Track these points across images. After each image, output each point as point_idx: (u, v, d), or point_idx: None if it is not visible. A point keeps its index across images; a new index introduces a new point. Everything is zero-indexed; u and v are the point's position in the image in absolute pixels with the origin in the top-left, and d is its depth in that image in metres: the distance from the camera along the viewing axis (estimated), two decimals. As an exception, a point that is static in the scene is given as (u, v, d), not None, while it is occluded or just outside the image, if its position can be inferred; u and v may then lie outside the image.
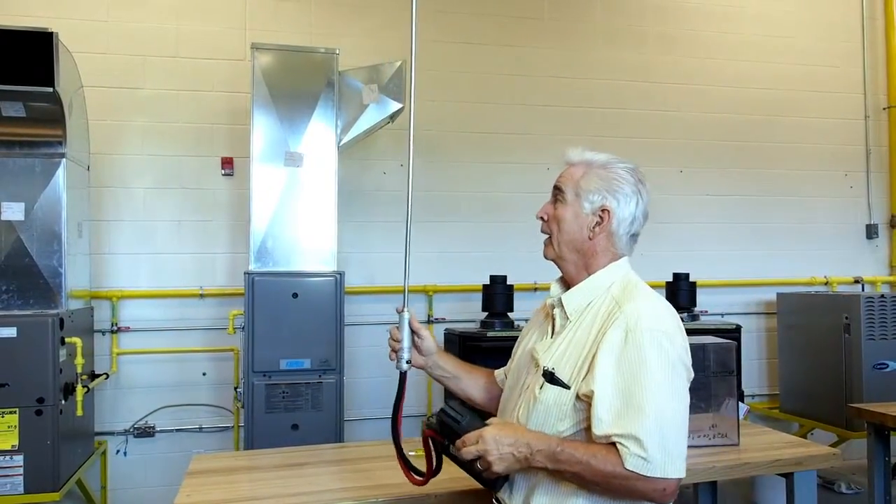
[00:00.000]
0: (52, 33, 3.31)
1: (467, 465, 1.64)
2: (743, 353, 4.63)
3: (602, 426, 1.53)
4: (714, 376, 2.66)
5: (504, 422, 1.68)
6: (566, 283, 1.80)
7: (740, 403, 2.76)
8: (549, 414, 1.63)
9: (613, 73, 5.01)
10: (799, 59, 5.39)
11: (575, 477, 1.56)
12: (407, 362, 1.90)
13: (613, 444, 1.52)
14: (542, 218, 1.79)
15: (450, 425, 1.66)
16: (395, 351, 1.92)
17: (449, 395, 2.14)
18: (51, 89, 3.32)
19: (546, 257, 1.81)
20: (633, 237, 1.77)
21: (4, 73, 3.28)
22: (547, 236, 1.78)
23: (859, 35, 5.54)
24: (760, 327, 5.27)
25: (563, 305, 1.73)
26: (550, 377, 1.63)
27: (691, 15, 5.21)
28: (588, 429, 1.58)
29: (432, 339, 1.99)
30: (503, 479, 1.67)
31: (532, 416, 1.65)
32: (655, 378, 1.53)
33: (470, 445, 1.59)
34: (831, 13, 5.46)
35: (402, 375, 1.88)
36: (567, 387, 1.61)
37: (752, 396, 5.17)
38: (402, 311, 1.91)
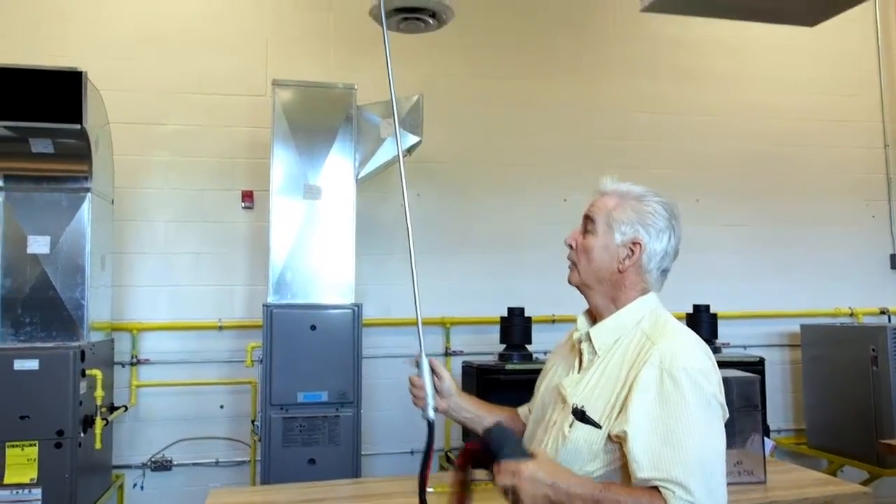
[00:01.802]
0: (80, 72, 3.40)
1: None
2: (767, 387, 4.54)
3: (642, 470, 1.47)
4: (738, 411, 2.61)
5: (548, 459, 1.57)
6: (592, 316, 1.77)
7: (766, 439, 2.69)
8: (578, 454, 1.58)
9: (628, 104, 5.03)
10: (815, 88, 5.38)
11: None
12: (434, 409, 1.86)
13: (655, 487, 1.46)
14: (570, 245, 1.76)
15: (492, 448, 1.55)
16: (417, 397, 1.89)
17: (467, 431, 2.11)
18: (79, 126, 3.39)
19: (570, 282, 1.77)
20: (664, 273, 1.75)
21: (35, 110, 3.36)
22: (572, 262, 1.76)
23: (875, 63, 5.52)
24: (784, 360, 5.18)
25: (591, 340, 1.69)
26: (581, 416, 1.59)
27: (705, 46, 5.22)
28: (618, 469, 1.55)
29: (451, 379, 1.95)
30: None
31: (561, 454, 1.60)
32: (694, 418, 1.49)
33: (505, 475, 1.50)
34: (846, 42, 5.44)
35: (430, 425, 1.81)
36: (598, 426, 1.57)
37: (779, 431, 5.06)
38: (420, 356, 1.87)
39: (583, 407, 1.60)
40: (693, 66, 5.19)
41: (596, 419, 1.57)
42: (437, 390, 1.90)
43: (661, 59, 5.14)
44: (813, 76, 5.39)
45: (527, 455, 1.54)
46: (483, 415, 1.97)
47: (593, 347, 1.69)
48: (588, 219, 1.74)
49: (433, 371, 1.89)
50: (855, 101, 5.46)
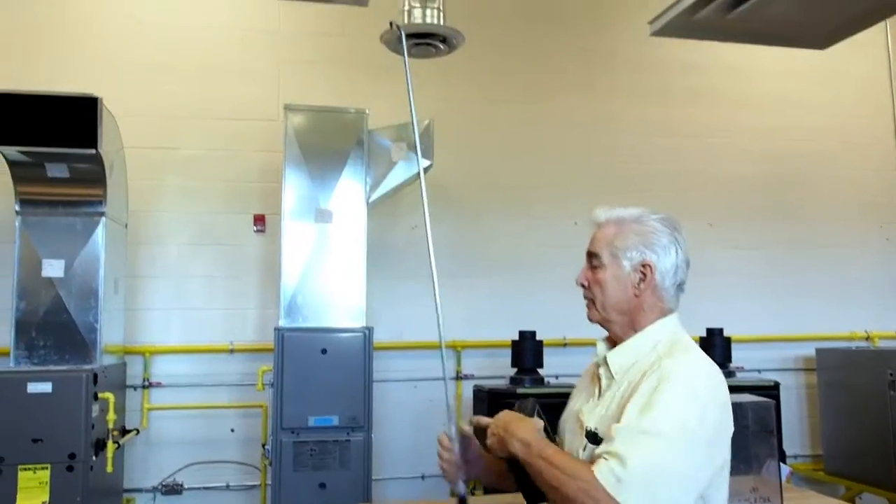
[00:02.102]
0: (96, 98, 3.45)
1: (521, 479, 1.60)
2: (783, 412, 4.48)
3: (603, 445, 1.48)
4: (753, 436, 2.57)
5: (523, 417, 1.64)
6: (612, 342, 1.75)
7: (782, 465, 2.66)
8: None
9: (639, 127, 5.04)
10: (827, 111, 5.37)
11: (540, 476, 1.50)
12: (464, 482, 1.79)
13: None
14: (582, 284, 1.74)
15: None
16: (446, 471, 1.82)
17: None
18: (94, 151, 3.43)
19: (591, 320, 1.75)
20: (680, 287, 1.73)
21: (51, 135, 3.40)
22: (589, 300, 1.73)
23: (887, 86, 5.51)
24: (800, 384, 5.13)
25: (608, 364, 1.68)
26: (593, 437, 1.58)
27: (716, 70, 5.23)
28: None
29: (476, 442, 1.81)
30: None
31: None
32: (672, 415, 1.46)
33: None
34: (857, 65, 5.43)
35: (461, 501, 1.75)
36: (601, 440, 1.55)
37: (795, 457, 4.99)
38: (451, 425, 1.80)
39: (595, 429, 1.59)
40: (704, 88, 5.20)
41: (598, 433, 1.58)
42: (466, 459, 1.82)
43: (672, 83, 5.16)
44: (825, 99, 5.38)
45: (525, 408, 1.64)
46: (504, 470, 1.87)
47: (610, 372, 1.68)
48: (591, 255, 1.73)
49: (462, 436, 1.81)
50: (867, 124, 5.44)
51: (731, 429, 1.58)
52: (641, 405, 1.49)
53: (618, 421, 1.51)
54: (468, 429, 1.79)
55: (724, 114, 5.20)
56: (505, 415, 1.64)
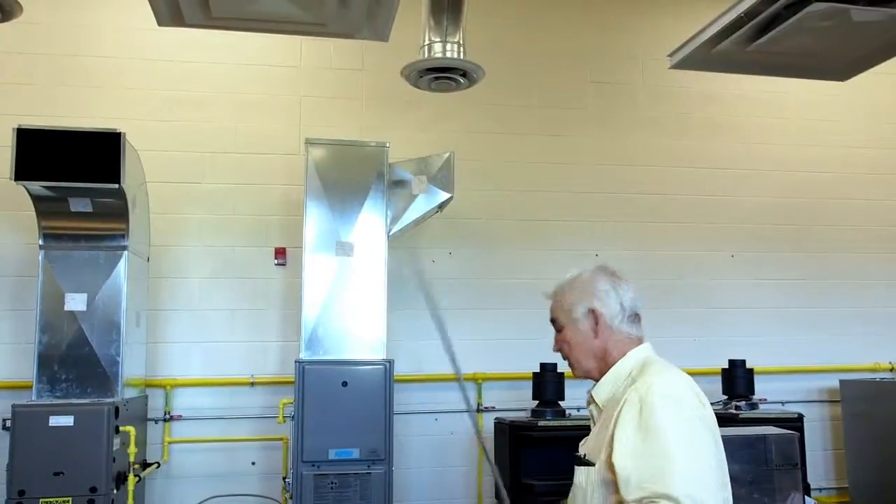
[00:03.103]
0: (119, 134, 3.50)
1: None
2: (807, 444, 4.42)
3: (630, 492, 1.59)
4: (777, 469, 2.55)
5: None
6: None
7: (807, 498, 2.63)
8: (584, 495, 1.71)
9: (658, 159, 5.05)
10: (849, 141, 5.36)
11: None
12: None
13: None
14: (558, 350, 1.93)
15: None
16: None
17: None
18: (117, 186, 3.47)
19: (576, 377, 1.92)
20: (635, 317, 1.88)
21: (74, 171, 3.44)
22: (568, 362, 1.91)
23: (908, 114, 5.50)
24: (824, 416, 5.06)
25: (594, 400, 1.87)
26: (580, 460, 1.75)
27: (736, 101, 5.24)
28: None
29: None
30: None
31: (570, 500, 1.76)
32: (672, 434, 1.61)
33: None
34: (878, 94, 5.42)
35: None
36: (592, 464, 1.71)
37: (819, 490, 4.91)
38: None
39: (585, 454, 1.77)
40: (724, 120, 5.21)
41: (594, 462, 1.71)
42: None
43: (692, 114, 5.17)
44: (846, 129, 5.37)
45: None
46: None
47: (598, 406, 1.86)
48: (553, 322, 1.93)
49: None
50: (890, 154, 5.41)
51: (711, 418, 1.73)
52: (638, 438, 1.62)
53: (602, 443, 1.68)
54: None
55: (744, 145, 5.20)
56: None
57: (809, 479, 4.57)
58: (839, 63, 2.99)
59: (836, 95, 5.30)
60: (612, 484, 1.65)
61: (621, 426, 1.65)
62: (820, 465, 4.97)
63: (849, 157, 5.34)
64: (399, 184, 3.92)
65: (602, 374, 1.85)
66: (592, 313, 1.85)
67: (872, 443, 4.61)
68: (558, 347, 1.92)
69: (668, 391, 1.69)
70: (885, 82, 5.38)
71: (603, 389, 1.84)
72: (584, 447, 1.81)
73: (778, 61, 2.96)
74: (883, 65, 3.02)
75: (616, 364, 1.83)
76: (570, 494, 1.78)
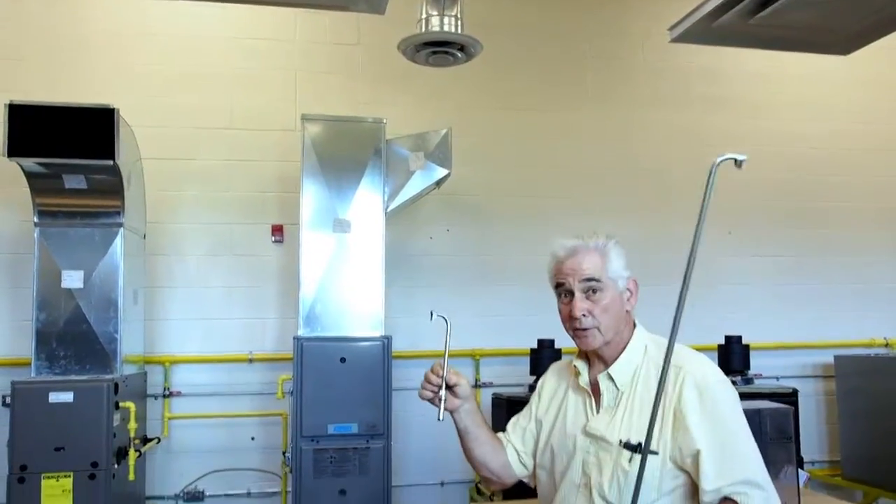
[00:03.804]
0: (113, 109, 3.46)
1: None
2: (801, 419, 4.47)
3: (710, 482, 1.60)
4: (771, 443, 2.56)
5: None
6: (588, 359, 1.85)
7: (800, 471, 2.65)
8: (643, 485, 1.58)
9: (657, 135, 5.02)
10: (849, 116, 5.34)
11: None
12: (445, 408, 1.83)
13: (724, 498, 1.61)
14: (583, 315, 1.76)
15: None
16: (426, 389, 1.85)
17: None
18: (111, 162, 3.44)
19: (591, 348, 1.79)
20: None
21: (68, 147, 3.42)
22: (588, 328, 1.76)
23: (911, 89, 5.48)
24: (818, 391, 5.10)
25: (612, 380, 1.77)
26: (637, 447, 1.64)
27: (737, 76, 5.21)
28: (678, 498, 1.66)
29: (468, 385, 1.90)
30: None
31: (625, 490, 1.65)
32: (738, 423, 1.67)
33: None
34: (880, 68, 5.38)
35: None
36: (656, 453, 1.64)
37: (812, 463, 4.96)
38: (446, 348, 1.83)
39: (638, 441, 1.64)
40: (725, 95, 5.18)
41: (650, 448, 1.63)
42: (452, 391, 1.85)
43: (693, 89, 5.14)
44: (847, 104, 5.35)
45: None
46: (479, 434, 1.93)
47: (615, 386, 1.77)
48: (592, 281, 1.76)
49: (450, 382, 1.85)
50: (890, 129, 5.40)
51: None
52: (710, 427, 1.64)
53: (663, 431, 1.65)
54: (456, 379, 1.85)
55: (744, 121, 5.17)
56: None
57: (803, 453, 4.62)
58: (842, 37, 2.96)
59: (837, 70, 5.25)
60: (675, 477, 1.66)
61: (690, 413, 1.64)
62: (813, 438, 5.02)
63: (848, 132, 5.33)
64: (396, 160, 3.91)
65: (615, 350, 1.79)
66: (634, 283, 1.82)
67: (865, 417, 4.65)
68: (586, 311, 1.75)
69: (720, 376, 1.72)
70: (887, 57, 5.34)
71: (624, 370, 1.77)
72: (614, 432, 1.71)
73: (780, 35, 2.93)
74: (884, 39, 3.00)
75: (631, 343, 1.79)
76: (615, 484, 1.68)
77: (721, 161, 1.42)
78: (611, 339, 1.77)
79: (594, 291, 1.76)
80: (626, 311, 1.81)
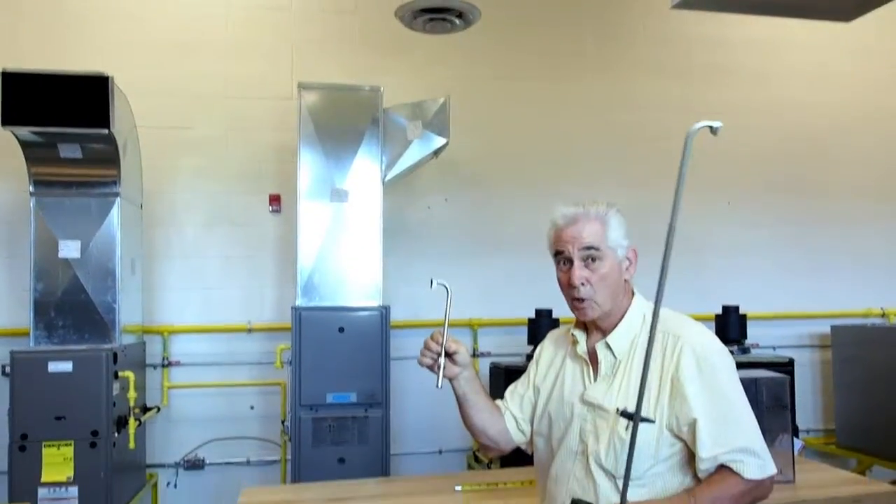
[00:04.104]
0: (107, 77, 3.43)
1: None
2: (797, 388, 4.49)
3: (706, 449, 1.62)
4: (767, 411, 2.59)
5: (635, 503, 1.62)
6: (586, 327, 1.86)
7: (795, 439, 2.68)
8: (639, 452, 1.58)
9: (658, 105, 4.99)
10: (850, 85, 5.30)
11: None
12: (444, 375, 1.83)
13: (721, 466, 1.63)
14: (581, 284, 1.75)
15: None
16: (426, 355, 1.85)
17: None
18: (106, 131, 3.42)
19: (589, 318, 1.79)
20: None
21: (63, 116, 3.39)
22: (586, 299, 1.75)
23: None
24: (814, 361, 5.13)
25: (610, 348, 1.78)
26: (632, 416, 1.62)
27: (737, 45, 5.17)
28: (674, 466, 1.68)
29: (467, 353, 1.90)
30: None
31: (622, 458, 1.64)
32: (735, 392, 1.69)
33: None
34: (881, 38, 5.34)
35: None
36: (652, 421, 1.64)
37: (807, 432, 5.01)
38: (446, 316, 1.83)
39: (628, 408, 1.63)
40: (725, 64, 5.14)
41: (645, 416, 1.62)
42: (451, 358, 1.85)
43: (693, 58, 5.09)
44: (847, 73, 5.31)
45: None
46: (477, 401, 1.94)
47: (612, 354, 1.77)
48: (591, 249, 1.74)
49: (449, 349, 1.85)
50: (891, 98, 5.37)
51: None
52: (708, 396, 1.65)
53: (659, 399, 1.67)
54: (455, 346, 1.85)
55: (745, 89, 5.14)
56: None
57: (798, 421, 4.67)
58: (844, 3, 2.92)
59: (839, 39, 5.22)
60: (671, 444, 1.68)
61: (688, 383, 1.65)
62: (809, 407, 5.07)
63: (848, 101, 5.30)
64: (394, 129, 3.88)
65: (613, 319, 1.79)
66: (634, 252, 1.81)
67: (860, 386, 4.69)
68: (584, 279, 1.74)
69: (717, 345, 1.72)
70: (887, 26, 5.30)
71: (622, 339, 1.77)
72: (611, 400, 1.72)
73: (782, 1, 2.89)
74: (885, 7, 2.96)
75: (629, 312, 1.79)
76: (610, 451, 1.69)
77: (697, 129, 1.41)
78: (609, 309, 1.77)
79: (593, 260, 1.75)
80: (625, 280, 1.80)
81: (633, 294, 1.83)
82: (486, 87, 4.75)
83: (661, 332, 1.69)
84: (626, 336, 1.77)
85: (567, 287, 1.78)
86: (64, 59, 4.09)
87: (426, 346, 1.86)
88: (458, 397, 1.93)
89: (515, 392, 2.01)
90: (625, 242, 1.78)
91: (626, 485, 1.53)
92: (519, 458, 2.86)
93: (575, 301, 1.77)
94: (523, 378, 2.03)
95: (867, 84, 5.33)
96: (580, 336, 1.85)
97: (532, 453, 1.99)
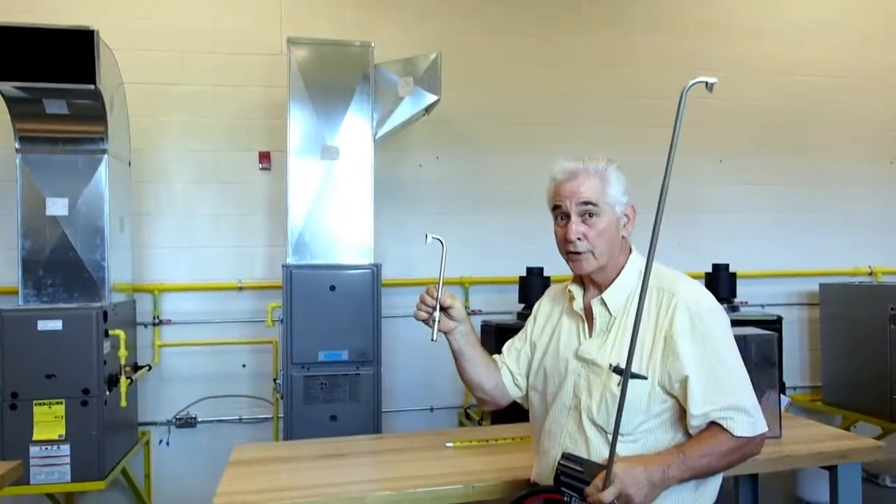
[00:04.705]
0: (92, 31, 3.36)
1: None
2: (784, 345, 4.53)
3: (697, 405, 1.63)
4: (755, 368, 2.61)
5: (623, 458, 1.63)
6: (583, 284, 1.86)
7: (782, 395, 2.71)
8: (630, 408, 1.64)
9: (653, 61, 4.93)
10: (845, 43, 5.26)
11: (701, 472, 1.65)
12: (439, 330, 1.84)
13: (711, 423, 1.64)
14: (578, 239, 1.76)
15: (574, 476, 1.63)
16: (422, 309, 1.86)
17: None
18: (92, 86, 3.37)
19: (584, 272, 1.79)
20: None
21: (47, 71, 3.33)
22: (583, 252, 1.76)
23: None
24: (802, 318, 5.18)
25: (605, 305, 1.78)
26: (621, 371, 1.65)
27: (733, 1, 5.10)
28: (665, 422, 1.69)
29: (462, 308, 1.91)
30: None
31: (612, 413, 1.65)
32: (728, 350, 1.68)
33: (605, 489, 1.56)
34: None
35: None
36: (644, 377, 1.64)
37: (794, 388, 5.08)
38: (442, 267, 1.83)
39: (617, 364, 1.66)
40: (721, 20, 5.07)
41: (638, 372, 1.64)
42: (447, 313, 1.86)
43: (688, 14, 5.02)
44: (842, 30, 5.25)
45: (600, 466, 1.60)
46: (473, 356, 1.96)
47: (608, 310, 1.79)
48: (588, 204, 1.75)
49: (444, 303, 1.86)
50: (885, 58, 5.32)
51: None
52: (700, 353, 1.65)
53: (652, 355, 1.67)
54: (451, 301, 1.86)
55: (738, 46, 5.09)
56: (621, 472, 1.58)
57: (785, 378, 4.73)
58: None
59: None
60: (663, 401, 1.68)
61: (681, 339, 1.65)
62: (796, 364, 5.12)
63: (842, 59, 5.25)
64: (385, 85, 3.83)
65: (609, 275, 1.80)
66: (632, 209, 1.81)
67: (847, 344, 4.74)
68: (580, 234, 1.76)
69: (712, 303, 1.72)
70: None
71: (618, 296, 1.78)
72: (604, 357, 1.74)
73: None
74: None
75: (626, 267, 1.80)
76: (602, 406, 1.71)
77: (692, 84, 1.41)
78: (605, 264, 1.78)
79: (590, 215, 1.75)
80: (623, 236, 1.80)
81: (630, 251, 1.83)
82: (478, 43, 4.68)
83: (656, 288, 1.71)
84: (622, 292, 1.77)
85: (563, 242, 1.79)
86: (48, 12, 4.01)
87: (422, 300, 1.87)
88: (453, 352, 1.95)
89: (512, 347, 2.04)
90: (623, 199, 1.78)
91: (615, 438, 1.55)
92: (510, 414, 2.89)
93: (570, 255, 1.78)
94: (521, 333, 2.05)
95: (862, 41, 5.29)
96: (577, 292, 1.86)
97: (528, 408, 2.01)
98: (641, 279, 1.72)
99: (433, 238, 1.83)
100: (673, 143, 1.44)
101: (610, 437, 1.62)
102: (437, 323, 1.83)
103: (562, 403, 1.80)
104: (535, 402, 1.94)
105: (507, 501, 1.78)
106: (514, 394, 2.01)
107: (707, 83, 1.38)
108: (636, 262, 1.81)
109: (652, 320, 1.70)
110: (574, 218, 1.76)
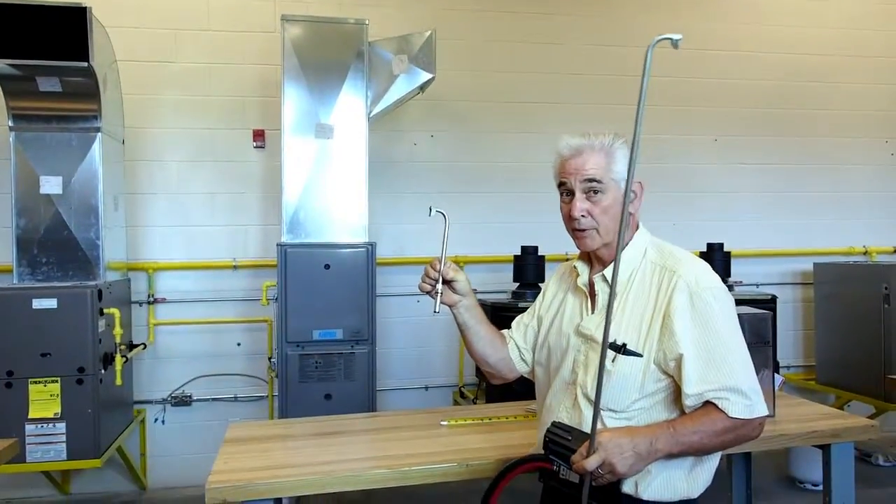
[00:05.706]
0: (85, 8, 3.34)
1: (578, 487, 1.60)
2: (778, 324, 4.56)
3: (692, 385, 1.60)
4: (750, 347, 2.61)
5: (611, 428, 1.64)
6: (588, 258, 1.85)
7: (776, 374, 2.71)
8: (625, 385, 1.64)
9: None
10: (840, 22, 5.23)
11: (692, 449, 1.63)
12: (441, 301, 1.83)
13: (706, 402, 1.61)
14: (582, 216, 1.74)
15: (562, 444, 1.63)
16: (426, 282, 1.85)
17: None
18: (85, 64, 3.36)
19: (589, 249, 1.78)
20: None
21: (40, 48, 3.32)
22: (587, 229, 1.75)
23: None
24: (797, 298, 5.19)
25: (607, 281, 1.75)
26: (622, 349, 1.66)
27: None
28: (661, 401, 1.67)
29: (467, 281, 1.90)
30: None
31: (607, 389, 1.65)
32: (728, 330, 1.64)
33: (589, 457, 1.55)
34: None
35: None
36: (640, 355, 1.64)
37: (788, 367, 5.11)
38: (444, 240, 1.84)
39: (624, 342, 1.67)
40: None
41: (634, 350, 1.66)
42: (451, 286, 1.86)
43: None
44: (838, 9, 5.22)
45: (587, 434, 1.59)
46: (479, 330, 1.96)
47: (609, 287, 1.72)
48: (593, 181, 1.73)
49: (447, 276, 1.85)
50: (881, 37, 5.30)
51: None
52: (698, 332, 1.62)
53: (650, 334, 1.66)
54: (454, 274, 1.86)
55: (734, 25, 5.05)
56: (605, 441, 1.57)
57: (779, 357, 4.76)
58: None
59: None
60: (658, 380, 1.66)
61: (679, 317, 1.63)
62: (790, 343, 5.15)
63: (837, 38, 5.22)
64: (379, 63, 3.80)
65: (611, 249, 1.74)
66: (640, 185, 1.76)
67: (840, 323, 4.76)
68: (585, 212, 1.73)
69: (715, 282, 1.68)
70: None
71: (620, 271, 1.69)
72: (590, 328, 1.75)
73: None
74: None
75: (631, 244, 1.76)
76: (595, 381, 1.67)
77: (657, 41, 1.40)
78: (610, 241, 1.75)
79: (595, 192, 1.73)
80: (630, 213, 1.76)
81: (637, 228, 1.80)
82: (474, 21, 4.64)
83: (659, 266, 1.71)
84: (625, 269, 1.73)
85: (568, 219, 1.77)
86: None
87: (426, 273, 1.86)
88: (459, 325, 1.96)
89: (521, 322, 2.04)
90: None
91: (596, 406, 1.55)
92: (504, 393, 2.90)
93: (576, 231, 1.77)
94: (530, 308, 2.05)
95: (857, 21, 5.25)
96: (582, 269, 1.85)
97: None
98: (646, 256, 1.74)
99: (437, 211, 1.84)
100: (640, 99, 1.43)
101: (603, 412, 1.62)
102: (439, 295, 1.82)
103: (562, 378, 1.81)
104: (540, 376, 1.95)
105: (499, 470, 1.79)
106: (521, 369, 2.02)
107: (672, 39, 1.37)
108: (642, 239, 1.78)
109: (652, 298, 1.68)
110: (578, 195, 1.74)
